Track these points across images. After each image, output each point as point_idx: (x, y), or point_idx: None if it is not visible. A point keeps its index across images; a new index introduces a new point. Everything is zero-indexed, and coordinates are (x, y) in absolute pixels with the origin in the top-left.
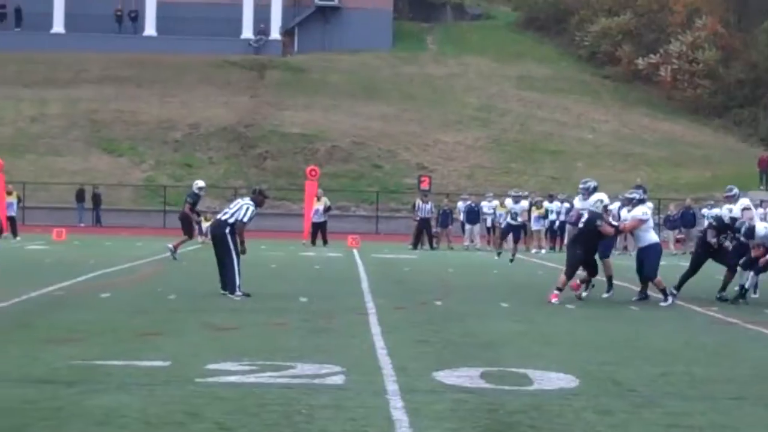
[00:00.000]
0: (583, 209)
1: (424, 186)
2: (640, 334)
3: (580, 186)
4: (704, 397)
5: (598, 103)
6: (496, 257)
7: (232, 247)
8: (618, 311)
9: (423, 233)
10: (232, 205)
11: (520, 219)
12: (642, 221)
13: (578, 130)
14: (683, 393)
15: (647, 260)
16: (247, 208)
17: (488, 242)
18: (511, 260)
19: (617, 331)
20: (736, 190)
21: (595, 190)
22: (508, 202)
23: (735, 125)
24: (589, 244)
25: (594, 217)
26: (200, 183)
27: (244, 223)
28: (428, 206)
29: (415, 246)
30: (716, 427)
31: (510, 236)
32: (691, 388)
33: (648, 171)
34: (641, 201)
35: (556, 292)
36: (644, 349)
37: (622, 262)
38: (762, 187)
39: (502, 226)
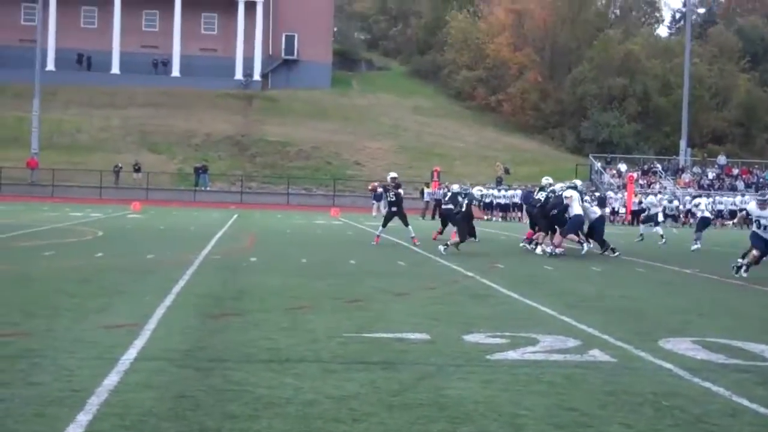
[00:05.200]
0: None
1: (436, 175)
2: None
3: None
4: None
5: (464, 124)
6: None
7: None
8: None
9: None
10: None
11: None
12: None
13: (453, 141)
14: None
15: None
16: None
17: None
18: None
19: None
20: (548, 180)
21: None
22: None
23: (551, 139)
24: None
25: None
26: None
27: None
28: (439, 192)
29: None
30: None
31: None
32: None
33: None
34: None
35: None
36: None
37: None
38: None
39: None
